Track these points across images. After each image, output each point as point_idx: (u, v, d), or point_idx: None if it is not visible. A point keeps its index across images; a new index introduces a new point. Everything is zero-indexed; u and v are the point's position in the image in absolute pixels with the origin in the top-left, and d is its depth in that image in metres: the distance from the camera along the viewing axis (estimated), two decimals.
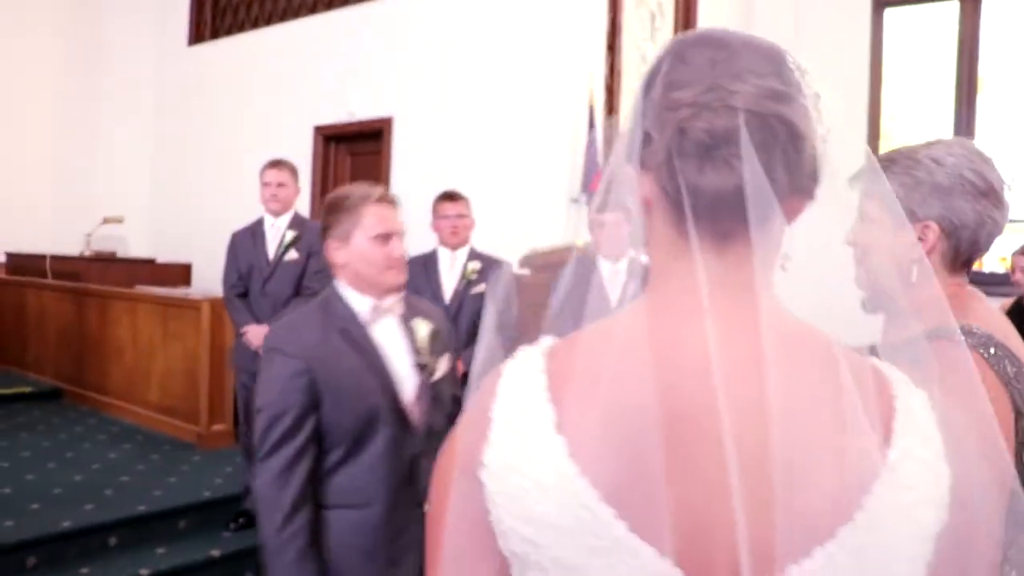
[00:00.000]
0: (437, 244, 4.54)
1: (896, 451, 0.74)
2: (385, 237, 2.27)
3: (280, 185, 4.67)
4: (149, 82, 9.47)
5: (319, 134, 7.38)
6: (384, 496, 2.16)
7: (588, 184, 5.55)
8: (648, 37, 6.07)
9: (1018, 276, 4.03)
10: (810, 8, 6.95)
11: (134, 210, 8.93)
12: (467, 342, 4.19)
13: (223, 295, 4.80)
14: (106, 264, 7.76)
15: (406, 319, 2.33)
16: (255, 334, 4.54)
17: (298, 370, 2.11)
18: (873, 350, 0.91)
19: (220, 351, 5.65)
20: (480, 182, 5.30)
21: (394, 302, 2.30)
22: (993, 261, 6.15)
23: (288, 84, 7.74)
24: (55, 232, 8.81)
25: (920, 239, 1.43)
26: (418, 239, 5.07)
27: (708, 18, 6.50)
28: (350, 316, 2.26)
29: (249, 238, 4.71)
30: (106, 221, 8.02)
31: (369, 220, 2.27)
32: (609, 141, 5.60)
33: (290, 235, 4.67)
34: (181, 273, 7.88)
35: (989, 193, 1.42)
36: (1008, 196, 1.46)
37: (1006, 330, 1.36)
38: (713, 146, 0.75)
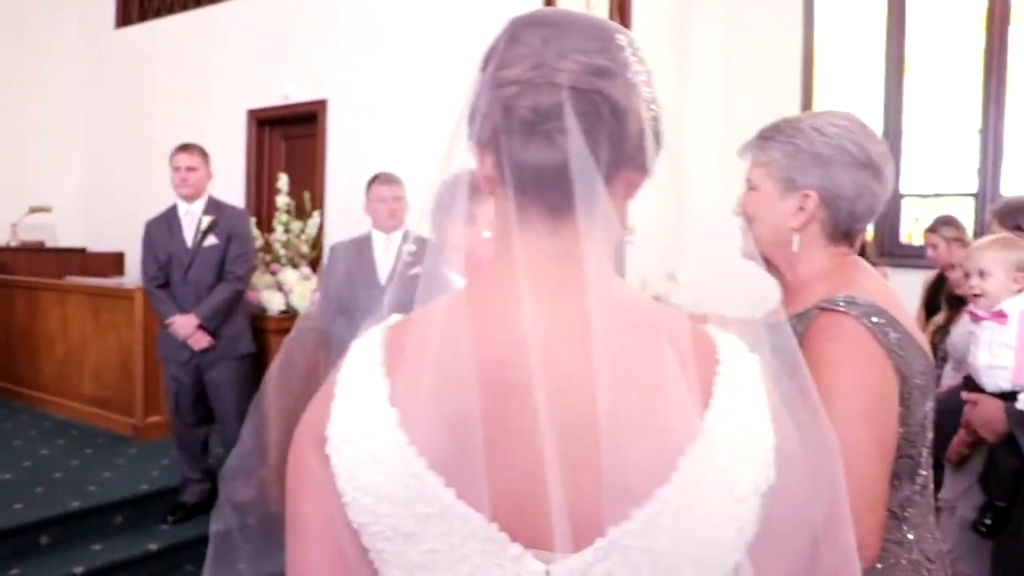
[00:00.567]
0: (371, 227, 4.49)
1: (713, 413, 0.76)
2: None
3: (191, 169, 4.60)
4: (76, 66, 9.17)
5: (253, 118, 7.24)
6: None
7: None
8: None
9: (931, 253, 4.14)
10: None
11: (63, 199, 8.65)
12: None
13: (143, 287, 4.71)
14: (34, 254, 7.53)
15: None
16: (182, 324, 4.47)
17: None
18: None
19: (155, 341, 5.53)
20: (415, 165, 5.25)
21: None
22: (919, 234, 6.30)
23: (220, 67, 7.56)
24: None
25: (800, 208, 1.45)
26: (353, 222, 5.03)
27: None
28: None
29: (164, 226, 4.62)
30: (32, 211, 7.76)
31: None
32: None
33: (207, 220, 4.60)
34: (114, 263, 7.68)
35: (869, 165, 1.44)
36: (889, 170, 1.47)
37: (888, 298, 1.39)
38: (537, 122, 0.77)
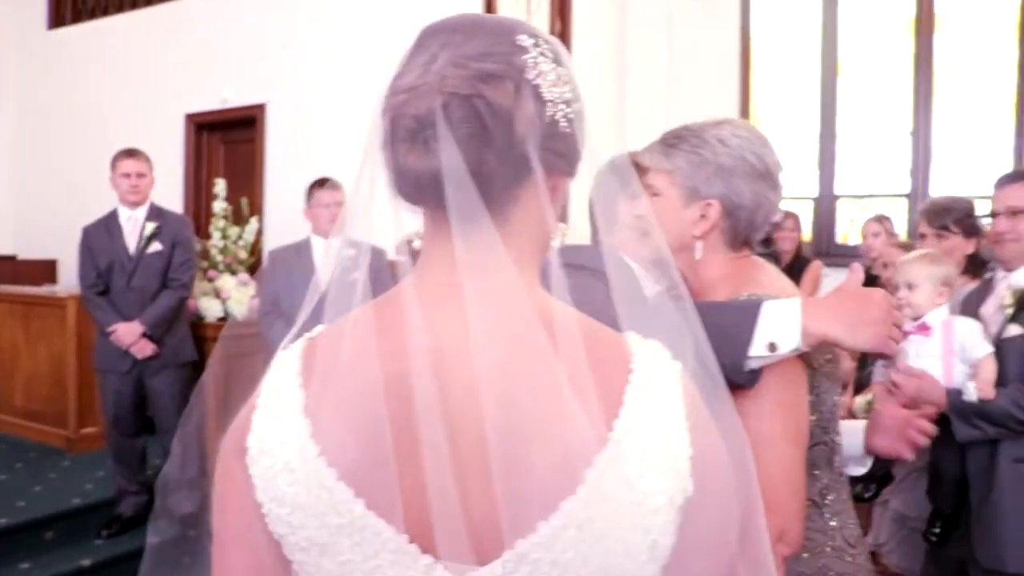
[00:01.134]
0: (311, 232, 4.45)
1: (623, 423, 0.75)
2: None
3: (140, 175, 4.54)
4: (6, 68, 8.91)
5: (191, 122, 7.11)
6: None
7: None
8: (524, 20, 6.07)
9: (869, 240, 4.25)
10: None
11: None
12: None
13: (81, 294, 4.60)
14: None
15: None
16: (126, 332, 4.37)
17: None
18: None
19: (88, 350, 5.36)
20: (356, 169, 5.20)
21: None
22: (855, 235, 6.43)
23: (157, 70, 7.42)
24: None
25: (703, 216, 1.48)
26: (293, 227, 4.96)
27: (582, 2, 6.55)
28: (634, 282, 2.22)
29: (104, 232, 4.53)
30: None
31: None
32: None
33: (151, 227, 4.53)
34: (46, 270, 7.48)
35: (767, 176, 1.48)
36: (782, 179, 1.52)
37: (791, 293, 1.42)
38: (417, 130, 0.77)
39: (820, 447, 1.44)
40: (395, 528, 0.74)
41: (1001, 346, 2.41)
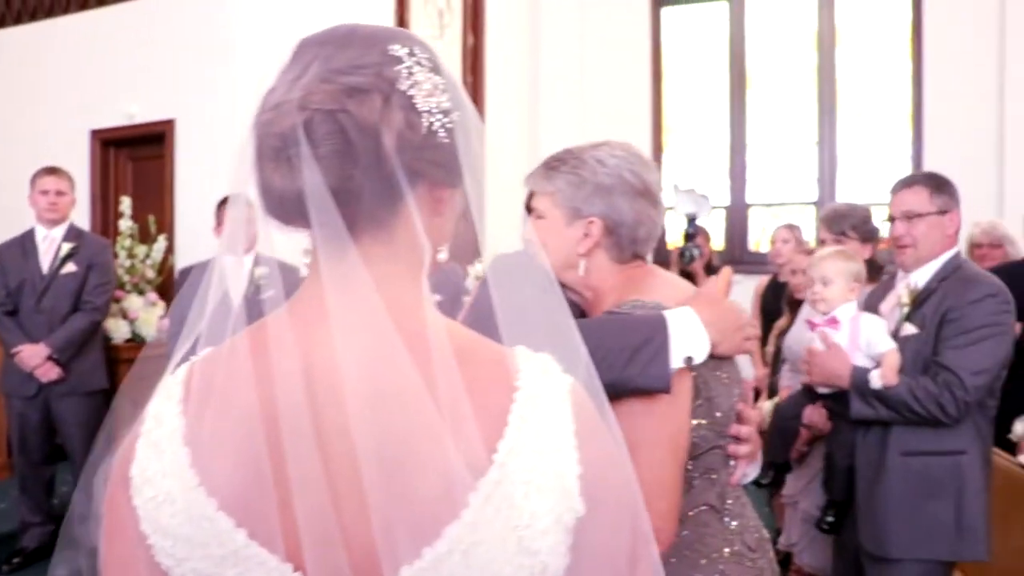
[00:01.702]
0: (220, 251, 4.35)
1: (507, 443, 0.73)
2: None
3: (60, 193, 4.41)
4: None
5: (96, 139, 6.90)
6: None
7: None
8: (437, 35, 6.09)
9: (778, 247, 4.37)
10: (594, 6, 7.21)
11: None
12: None
13: None
14: None
15: None
16: (31, 354, 4.21)
17: None
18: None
19: None
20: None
21: None
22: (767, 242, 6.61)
23: (60, 84, 7.17)
24: None
25: (586, 234, 1.51)
26: (205, 245, 4.86)
27: (496, 15, 6.60)
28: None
29: (19, 251, 4.37)
30: None
31: None
32: None
33: (67, 247, 4.38)
34: None
35: (646, 193, 1.52)
36: (664, 198, 1.58)
37: (679, 299, 1.44)
38: (281, 148, 0.74)
39: (716, 451, 1.45)
40: (279, 557, 0.72)
41: (898, 343, 2.49)
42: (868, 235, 3.25)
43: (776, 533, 3.76)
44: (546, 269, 0.92)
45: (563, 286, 1.55)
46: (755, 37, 7.32)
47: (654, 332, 1.31)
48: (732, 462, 1.50)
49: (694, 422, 1.39)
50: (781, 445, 3.25)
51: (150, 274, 5.50)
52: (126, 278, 5.37)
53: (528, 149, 6.93)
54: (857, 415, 2.47)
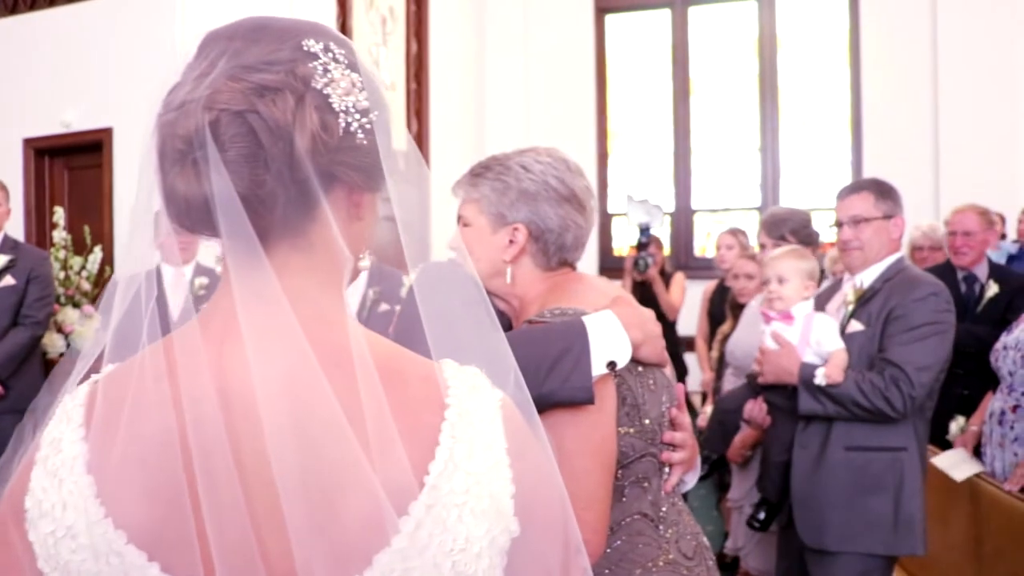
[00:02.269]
0: (161, 260, 4.25)
1: (438, 464, 0.69)
2: None
3: None
4: None
5: (29, 147, 6.72)
6: None
7: None
8: (380, 42, 6.04)
9: (723, 252, 4.42)
10: (538, 14, 7.23)
11: None
12: None
13: None
14: None
15: None
16: None
17: None
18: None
19: None
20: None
21: None
22: (712, 248, 6.68)
23: None
24: None
25: (511, 241, 1.50)
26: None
27: (439, 22, 6.58)
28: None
29: None
30: None
31: None
32: None
33: (3, 259, 4.24)
34: None
35: (571, 199, 1.51)
36: (592, 204, 1.57)
37: (603, 304, 1.43)
38: (186, 151, 0.69)
39: (648, 458, 1.42)
40: None
41: (844, 339, 2.53)
42: (807, 239, 3.30)
43: (725, 537, 3.79)
44: (474, 278, 0.89)
45: (491, 294, 1.53)
46: (698, 44, 7.41)
47: (572, 340, 1.29)
48: (667, 469, 1.48)
49: (621, 430, 1.37)
50: (720, 438, 3.28)
51: (86, 286, 5.37)
52: (61, 290, 5.22)
53: (473, 157, 6.87)
54: (805, 410, 2.50)
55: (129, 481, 0.68)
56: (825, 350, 2.52)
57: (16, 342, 4.23)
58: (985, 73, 6.39)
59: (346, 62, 0.74)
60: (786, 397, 2.59)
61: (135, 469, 0.69)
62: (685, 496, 1.60)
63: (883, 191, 2.63)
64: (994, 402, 3.18)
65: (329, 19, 5.72)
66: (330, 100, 0.72)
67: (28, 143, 6.74)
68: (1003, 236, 5.96)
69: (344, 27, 5.76)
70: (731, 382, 3.49)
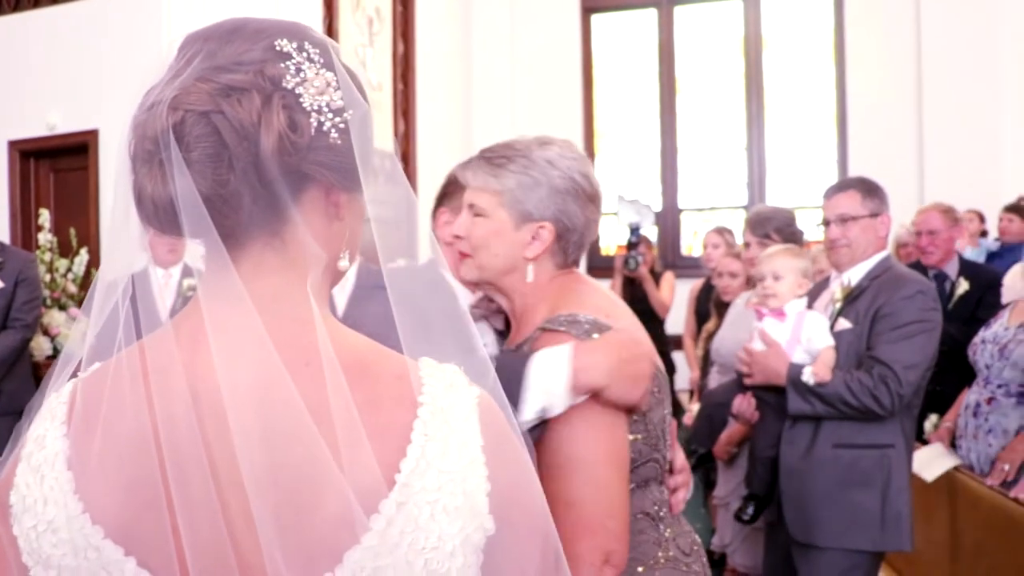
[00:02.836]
0: (149, 262, 4.25)
1: (409, 462, 0.69)
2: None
3: None
4: None
5: (14, 149, 6.68)
6: None
7: None
8: (367, 42, 6.04)
9: (709, 251, 4.42)
10: (524, 13, 7.24)
11: None
12: None
13: None
14: None
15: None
16: None
17: None
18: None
19: None
20: None
21: (496, 309, 1.70)
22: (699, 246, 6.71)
23: None
24: None
25: (534, 238, 1.46)
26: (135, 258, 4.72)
27: (426, 23, 6.58)
28: (453, 304, 2.02)
29: None
30: None
31: None
32: None
33: None
34: None
35: (595, 198, 1.49)
36: (607, 206, 1.56)
37: (613, 311, 1.43)
38: (154, 152, 0.70)
39: (651, 464, 1.43)
40: None
41: (833, 337, 2.55)
42: (792, 238, 3.31)
43: (711, 533, 3.81)
44: (449, 285, 0.89)
45: (495, 289, 1.52)
46: (684, 44, 7.44)
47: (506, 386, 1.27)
48: (665, 490, 1.51)
49: (630, 437, 1.37)
50: (707, 432, 3.29)
51: (72, 288, 5.35)
52: (47, 293, 5.20)
53: (460, 156, 6.86)
54: (794, 411, 2.52)
55: (106, 478, 0.70)
56: (815, 347, 2.54)
57: (5, 345, 4.21)
58: (969, 72, 6.44)
59: (321, 61, 0.74)
60: (775, 392, 2.60)
61: (112, 466, 0.70)
62: None
63: (870, 189, 2.67)
64: (970, 395, 3.23)
65: (315, 20, 5.72)
66: (301, 100, 0.72)
67: (13, 145, 6.70)
68: (984, 234, 6.01)
69: (330, 28, 5.76)
70: (716, 380, 3.50)
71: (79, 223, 5.92)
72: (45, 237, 5.38)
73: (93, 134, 6.31)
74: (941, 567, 3.21)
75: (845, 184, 2.79)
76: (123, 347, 0.75)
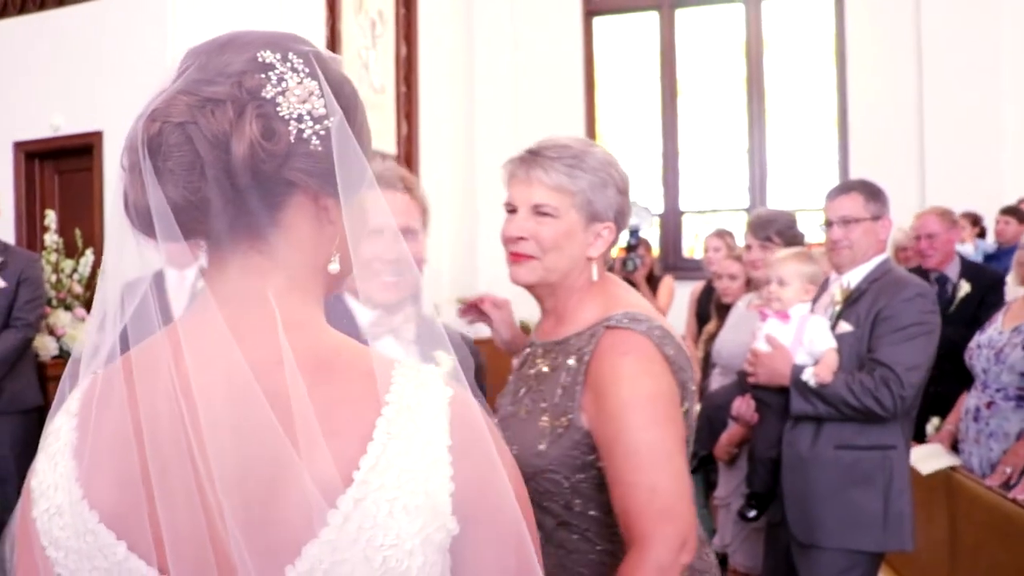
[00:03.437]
0: (165, 264, 4.27)
1: (369, 459, 0.72)
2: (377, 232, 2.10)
3: None
4: None
5: (20, 151, 6.71)
6: None
7: None
8: (370, 45, 6.07)
9: (710, 254, 4.44)
10: (527, 16, 7.27)
11: None
12: None
13: None
14: None
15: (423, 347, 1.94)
16: None
17: None
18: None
19: None
20: None
21: (403, 320, 1.69)
22: (700, 249, 6.73)
23: None
24: None
25: (598, 237, 1.50)
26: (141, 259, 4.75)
27: (429, 25, 6.61)
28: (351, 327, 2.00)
29: None
30: None
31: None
32: None
33: None
34: None
35: (628, 195, 1.53)
36: None
37: (647, 307, 1.49)
38: (136, 161, 0.74)
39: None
40: (157, 571, 0.73)
41: (835, 340, 2.58)
42: (792, 240, 3.33)
43: (712, 533, 3.83)
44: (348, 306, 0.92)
45: (547, 290, 1.53)
46: (685, 47, 7.46)
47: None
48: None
49: None
50: (708, 435, 3.32)
51: (77, 289, 5.38)
52: (52, 293, 5.23)
53: (463, 159, 6.94)
54: (797, 411, 2.54)
55: (101, 467, 0.76)
56: (817, 350, 2.56)
57: (9, 344, 4.23)
58: (970, 75, 6.46)
59: (306, 71, 0.77)
60: (775, 393, 2.63)
61: (105, 458, 0.76)
62: None
63: (872, 192, 2.69)
64: (969, 399, 3.24)
65: (318, 23, 5.75)
66: (278, 108, 0.74)
67: (18, 146, 6.74)
68: (982, 235, 6.04)
69: (334, 31, 5.79)
70: (718, 381, 3.53)
71: (84, 224, 5.94)
72: (51, 238, 5.41)
73: (97, 135, 6.33)
74: (940, 567, 3.22)
75: (848, 186, 2.82)
76: (116, 346, 0.80)
